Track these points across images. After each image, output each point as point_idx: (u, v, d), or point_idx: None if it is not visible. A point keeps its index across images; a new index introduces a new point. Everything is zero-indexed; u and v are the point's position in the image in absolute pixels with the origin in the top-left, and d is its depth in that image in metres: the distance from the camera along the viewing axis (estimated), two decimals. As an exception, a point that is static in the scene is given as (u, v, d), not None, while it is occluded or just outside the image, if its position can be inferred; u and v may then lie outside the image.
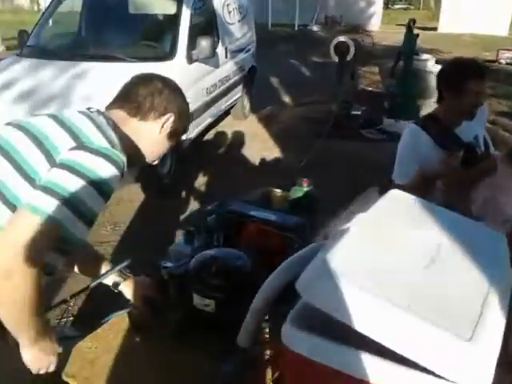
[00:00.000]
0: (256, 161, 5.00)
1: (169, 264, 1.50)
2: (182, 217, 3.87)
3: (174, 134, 1.46)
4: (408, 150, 2.17)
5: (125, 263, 1.51)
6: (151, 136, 1.41)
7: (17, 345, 1.18)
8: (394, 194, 1.21)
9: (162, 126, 1.40)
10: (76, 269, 1.56)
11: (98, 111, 1.36)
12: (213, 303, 1.33)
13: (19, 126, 1.27)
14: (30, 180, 1.17)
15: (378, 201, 1.17)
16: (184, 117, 1.50)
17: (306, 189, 1.81)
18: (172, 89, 1.45)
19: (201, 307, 1.36)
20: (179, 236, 3.48)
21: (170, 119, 1.41)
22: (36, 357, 1.20)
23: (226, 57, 5.61)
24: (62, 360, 1.34)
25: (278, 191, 2.15)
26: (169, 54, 4.52)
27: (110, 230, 3.73)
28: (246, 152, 5.24)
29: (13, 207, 1.16)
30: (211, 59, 4.97)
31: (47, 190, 1.14)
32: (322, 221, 1.86)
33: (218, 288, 1.32)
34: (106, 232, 3.69)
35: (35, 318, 1.15)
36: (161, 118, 1.40)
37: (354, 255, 0.94)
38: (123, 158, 1.24)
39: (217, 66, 5.25)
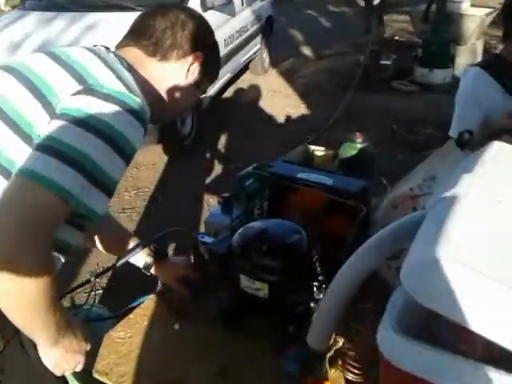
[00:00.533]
0: (281, 118, 4.71)
1: (207, 238, 1.28)
2: (209, 180, 3.65)
3: (204, 80, 1.19)
4: (470, 97, 1.87)
5: (156, 236, 1.29)
6: (175, 81, 1.12)
7: (34, 345, 0.98)
8: (500, 147, 0.95)
9: (188, 69, 1.13)
10: (98, 244, 1.35)
11: (107, 49, 1.07)
12: (266, 287, 1.11)
13: (9, 68, 0.99)
14: (25, 138, 0.90)
15: (482, 157, 0.91)
16: (215, 58, 1.23)
17: (360, 145, 1.55)
18: (198, 22, 1.17)
19: (251, 291, 1.14)
20: (213, 204, 3.33)
21: (197, 60, 1.13)
22: (59, 358, 0.99)
23: (243, 4, 5.22)
24: (92, 353, 1.15)
25: (321, 149, 1.90)
26: (181, 1, 4.17)
27: (133, 195, 3.54)
28: (269, 109, 4.94)
29: (7, 174, 0.90)
30: (227, 6, 4.62)
31: (47, 148, 0.86)
32: (381, 183, 1.62)
33: (272, 269, 1.10)
34: (129, 197, 3.50)
35: (52, 313, 0.90)
36: (186, 59, 1.12)
37: (474, 234, 0.70)
38: (145, 107, 0.96)
39: (233, 14, 4.88)
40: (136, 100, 0.92)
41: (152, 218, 3.16)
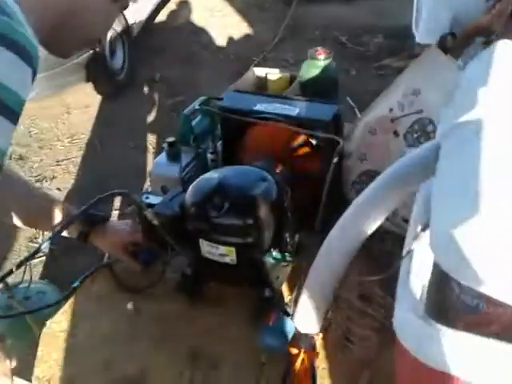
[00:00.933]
0: (222, 41, 4.30)
1: (153, 198, 1.04)
2: (150, 119, 3.31)
3: None
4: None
5: (91, 202, 1.03)
6: None
7: None
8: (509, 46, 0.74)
9: None
10: (17, 221, 1.07)
11: None
12: (233, 252, 0.90)
13: None
14: None
15: (492, 62, 0.69)
16: None
17: (323, 62, 1.30)
18: None
19: (215, 258, 0.93)
20: (156, 147, 3.02)
21: None
22: None
23: None
24: (27, 358, 0.93)
25: (274, 72, 1.63)
26: None
27: (67, 144, 3.17)
28: (207, 32, 4.50)
29: None
30: None
31: None
32: (348, 105, 1.40)
33: (238, 229, 0.88)
34: (62, 147, 3.14)
35: None
36: None
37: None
38: (31, 38, 0.65)
39: None
40: (11, 25, 0.62)
41: (91, 169, 2.85)
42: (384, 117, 1.09)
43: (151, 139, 3.09)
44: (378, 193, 0.60)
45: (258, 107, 1.09)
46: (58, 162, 2.93)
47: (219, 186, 0.91)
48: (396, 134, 1.08)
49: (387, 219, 1.15)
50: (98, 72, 3.35)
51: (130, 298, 1.05)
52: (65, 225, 1.01)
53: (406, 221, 1.13)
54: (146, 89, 3.72)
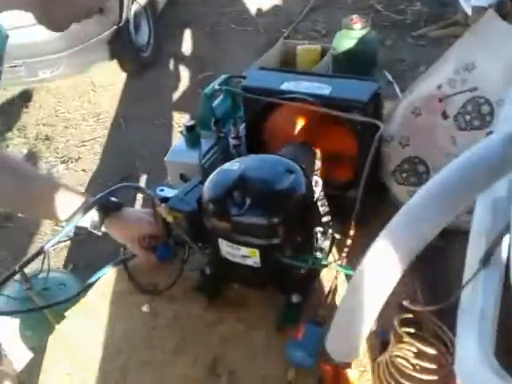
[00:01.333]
0: (250, 13, 4.13)
1: (168, 191, 0.93)
2: (177, 96, 3.20)
3: None
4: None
5: (102, 194, 0.94)
6: None
7: None
8: None
9: None
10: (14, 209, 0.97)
11: None
12: (256, 254, 0.79)
13: None
14: None
15: None
16: None
17: (360, 32, 1.15)
18: None
19: (236, 259, 0.82)
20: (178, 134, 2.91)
21: None
22: None
23: None
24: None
25: (304, 44, 1.49)
26: None
27: (93, 124, 3.11)
28: (234, 3, 4.32)
29: None
30: None
31: None
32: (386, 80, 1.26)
33: (263, 229, 0.77)
34: (88, 126, 3.08)
35: None
36: None
37: None
38: None
39: None
40: None
41: (117, 149, 2.78)
42: (431, 95, 0.95)
43: (178, 117, 2.99)
44: (434, 201, 0.47)
45: (285, 86, 0.96)
46: (83, 142, 2.88)
47: (240, 180, 0.79)
48: (445, 115, 0.93)
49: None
50: (122, 48, 3.26)
51: (146, 299, 0.97)
52: (74, 216, 0.92)
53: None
54: (172, 65, 3.60)
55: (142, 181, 2.46)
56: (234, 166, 0.83)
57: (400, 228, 0.50)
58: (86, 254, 2.05)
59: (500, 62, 0.89)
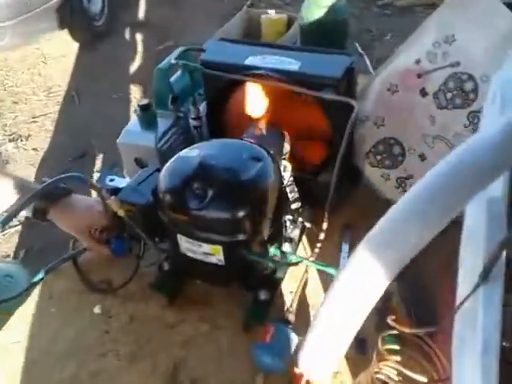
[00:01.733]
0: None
1: (118, 181, 0.83)
2: (134, 69, 3.02)
3: None
4: None
5: (44, 185, 0.82)
6: None
7: None
8: None
9: None
10: None
11: None
12: (219, 251, 0.71)
13: None
14: None
15: None
16: None
17: (329, 0, 1.06)
18: None
19: (198, 256, 0.73)
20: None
21: None
22: None
23: None
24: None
25: (270, 13, 1.38)
26: None
27: (44, 98, 2.91)
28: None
29: None
30: None
31: None
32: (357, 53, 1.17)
33: (227, 224, 0.69)
34: (39, 101, 2.88)
35: None
36: None
37: None
38: None
39: None
40: None
41: (70, 126, 2.60)
42: (408, 70, 0.87)
43: (136, 91, 2.83)
44: (429, 203, 0.39)
45: (250, 61, 0.86)
46: (33, 118, 2.69)
47: (200, 169, 0.70)
48: (423, 92, 0.86)
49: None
50: (73, 17, 3.03)
51: (98, 298, 0.87)
52: (16, 209, 0.80)
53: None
54: (129, 35, 3.40)
55: (98, 160, 2.32)
56: (192, 152, 0.73)
57: (386, 237, 0.42)
58: (40, 238, 1.91)
59: (482, 34, 0.81)
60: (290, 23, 1.35)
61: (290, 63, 0.83)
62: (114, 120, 2.56)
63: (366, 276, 0.42)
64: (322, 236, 0.70)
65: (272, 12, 1.38)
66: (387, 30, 3.13)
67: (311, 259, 0.71)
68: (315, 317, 0.49)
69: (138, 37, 3.35)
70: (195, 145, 0.76)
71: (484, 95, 0.81)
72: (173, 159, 0.74)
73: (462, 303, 0.38)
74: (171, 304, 0.85)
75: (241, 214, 0.68)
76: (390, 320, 0.45)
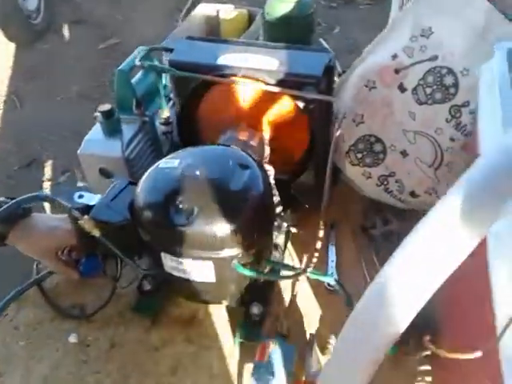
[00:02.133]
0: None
1: (88, 197, 0.75)
2: (80, 69, 2.86)
3: None
4: None
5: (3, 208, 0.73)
6: None
7: None
8: None
9: None
10: None
11: None
12: (210, 267, 0.66)
13: None
14: None
15: None
16: None
17: (297, -5, 1.02)
18: None
19: (184, 275, 0.68)
20: (91, 108, 2.57)
21: None
22: None
23: None
24: None
25: (229, 9, 1.33)
26: None
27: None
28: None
29: None
30: None
31: None
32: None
33: (216, 239, 0.63)
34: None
35: None
36: None
37: None
38: None
39: None
40: None
41: (13, 132, 2.43)
42: (385, 66, 0.84)
43: (82, 91, 2.68)
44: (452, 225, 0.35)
45: (223, 60, 0.81)
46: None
47: (184, 181, 0.64)
48: (402, 88, 0.84)
49: (390, 194, 0.94)
50: (6, 15, 2.83)
51: (72, 326, 0.80)
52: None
53: (414, 194, 0.93)
54: (69, 33, 3.23)
55: (48, 167, 2.18)
56: (172, 162, 0.67)
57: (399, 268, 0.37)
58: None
59: (459, 26, 0.80)
60: (250, 18, 1.30)
61: (268, 62, 0.79)
62: (61, 123, 2.43)
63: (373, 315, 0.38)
64: (318, 245, 0.67)
65: (231, 7, 1.32)
66: (335, 22, 3.14)
67: (309, 270, 0.67)
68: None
69: (79, 34, 3.18)
70: (173, 154, 0.70)
71: (465, 88, 0.80)
72: (151, 171, 0.68)
73: (506, 327, 0.35)
74: (154, 325, 0.79)
75: (232, 227, 0.63)
76: (426, 341, 0.42)
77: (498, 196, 0.33)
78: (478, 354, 0.36)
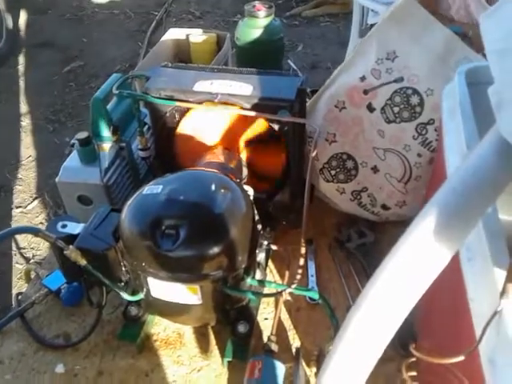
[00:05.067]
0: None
1: (72, 226, 0.75)
2: (43, 92, 2.83)
3: None
4: None
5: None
6: None
7: None
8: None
9: None
10: None
11: None
12: (197, 291, 0.67)
13: None
14: None
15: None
16: None
17: (266, 20, 1.06)
18: None
19: (172, 300, 0.69)
20: (63, 134, 2.57)
21: None
22: None
23: None
24: None
25: (198, 33, 1.36)
26: None
27: None
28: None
29: None
30: None
31: None
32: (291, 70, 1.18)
33: (203, 262, 0.65)
34: None
35: None
36: None
37: None
38: None
39: None
40: None
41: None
42: (354, 87, 0.89)
43: (48, 115, 2.65)
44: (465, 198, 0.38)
45: (199, 86, 0.84)
46: None
47: (169, 206, 0.66)
48: (371, 108, 0.88)
49: (364, 208, 0.98)
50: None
51: (58, 356, 0.80)
52: None
53: (386, 207, 0.97)
54: (32, 57, 3.19)
55: (17, 193, 2.14)
56: (155, 188, 0.69)
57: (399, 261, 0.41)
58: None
59: (420, 50, 0.85)
60: (219, 42, 1.33)
61: (241, 87, 0.82)
62: (28, 148, 2.40)
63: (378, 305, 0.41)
64: (301, 261, 0.69)
65: (199, 31, 1.36)
66: (298, 40, 3.22)
67: (293, 287, 0.70)
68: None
69: (43, 58, 3.15)
70: (155, 180, 0.72)
71: (430, 107, 0.85)
72: (135, 198, 0.70)
73: (483, 334, 0.39)
74: (142, 350, 0.79)
75: (218, 249, 0.65)
76: (412, 348, 0.45)
77: (467, 214, 0.36)
78: (461, 358, 0.39)
